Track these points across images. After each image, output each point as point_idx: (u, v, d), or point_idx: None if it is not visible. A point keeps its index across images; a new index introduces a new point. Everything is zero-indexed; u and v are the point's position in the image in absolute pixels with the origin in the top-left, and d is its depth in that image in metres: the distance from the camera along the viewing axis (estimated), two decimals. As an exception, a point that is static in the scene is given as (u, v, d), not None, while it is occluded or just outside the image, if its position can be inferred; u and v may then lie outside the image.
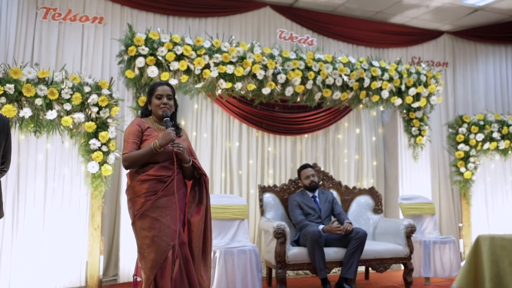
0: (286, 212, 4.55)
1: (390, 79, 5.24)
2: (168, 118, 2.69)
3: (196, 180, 2.82)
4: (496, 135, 5.71)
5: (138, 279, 2.73)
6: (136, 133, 2.68)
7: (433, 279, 4.73)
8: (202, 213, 2.74)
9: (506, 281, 1.57)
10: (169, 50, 4.36)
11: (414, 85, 5.35)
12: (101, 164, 4.05)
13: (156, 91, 2.77)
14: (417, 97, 5.40)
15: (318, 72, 4.92)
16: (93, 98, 3.98)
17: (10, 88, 3.67)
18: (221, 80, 4.55)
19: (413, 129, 5.49)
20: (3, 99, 3.69)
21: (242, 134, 5.22)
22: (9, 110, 3.66)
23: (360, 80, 5.10)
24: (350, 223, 4.14)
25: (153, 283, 2.51)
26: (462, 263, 5.03)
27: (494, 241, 1.67)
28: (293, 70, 4.79)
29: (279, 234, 3.92)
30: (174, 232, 2.56)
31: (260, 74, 4.63)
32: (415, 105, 5.42)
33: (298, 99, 5.05)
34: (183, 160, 2.69)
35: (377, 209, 4.84)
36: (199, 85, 4.58)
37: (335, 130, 5.66)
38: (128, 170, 2.72)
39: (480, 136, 5.64)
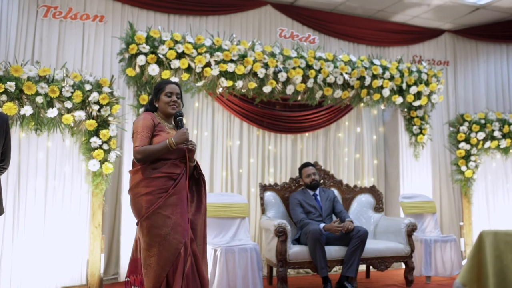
0: (287, 211, 4.54)
1: (391, 78, 5.23)
2: (182, 117, 2.73)
3: (194, 179, 2.83)
4: (497, 133, 5.70)
5: (127, 279, 2.74)
6: (150, 127, 2.66)
7: (434, 277, 4.73)
8: (202, 212, 2.78)
9: (509, 276, 1.57)
10: (170, 48, 4.35)
11: (415, 84, 5.35)
12: (102, 162, 4.05)
13: (166, 88, 2.77)
14: (418, 95, 5.40)
15: (319, 71, 4.91)
16: (94, 96, 3.98)
17: (11, 86, 3.67)
18: (222, 79, 4.54)
19: (414, 127, 5.48)
20: (4, 97, 3.68)
21: (243, 133, 5.21)
22: (10, 108, 3.65)
23: (361, 78, 5.09)
24: (351, 221, 4.14)
25: (164, 280, 2.50)
26: (463, 262, 5.04)
27: (498, 237, 1.66)
28: (294, 68, 4.79)
29: (280, 233, 3.92)
30: (184, 230, 2.57)
31: (261, 72, 4.63)
32: (416, 103, 5.41)
33: (299, 98, 5.04)
34: (190, 159, 2.72)
35: (378, 208, 4.84)
36: (200, 84, 4.57)
37: (336, 128, 5.65)
38: (134, 168, 2.68)
39: (481, 135, 5.63)
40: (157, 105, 2.80)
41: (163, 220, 2.54)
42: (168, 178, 2.62)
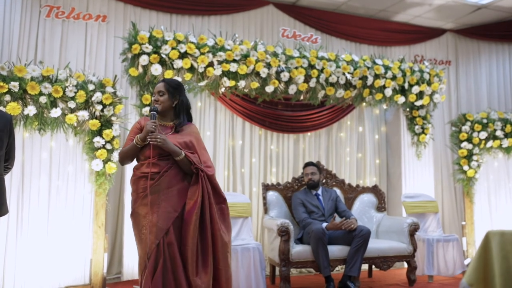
0: (289, 210, 4.55)
1: (393, 77, 5.24)
2: (154, 112, 2.64)
3: (195, 175, 2.69)
4: (499, 133, 5.70)
5: None
6: (135, 130, 2.73)
7: (437, 277, 4.73)
8: (196, 210, 2.58)
9: (516, 276, 1.58)
10: (172, 48, 4.36)
11: (417, 83, 5.35)
12: (105, 162, 4.05)
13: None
14: (420, 95, 5.40)
15: (321, 70, 4.92)
16: (97, 96, 3.99)
17: (14, 86, 3.67)
18: (225, 78, 4.54)
19: (416, 127, 5.48)
20: (8, 97, 3.69)
21: (245, 132, 5.22)
22: (13, 108, 3.66)
23: (363, 78, 5.09)
24: (356, 219, 4.15)
25: (139, 279, 2.57)
26: (466, 261, 5.05)
27: (504, 237, 1.67)
28: (296, 68, 4.79)
29: (283, 232, 3.92)
30: (159, 230, 2.51)
31: (263, 72, 4.63)
32: (418, 103, 5.42)
33: (301, 97, 5.05)
34: (172, 154, 2.60)
35: (381, 207, 4.85)
36: (202, 83, 4.58)
37: (338, 128, 5.66)
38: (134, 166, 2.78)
39: (483, 134, 5.63)
40: None
41: (140, 220, 2.59)
42: (146, 178, 2.59)
